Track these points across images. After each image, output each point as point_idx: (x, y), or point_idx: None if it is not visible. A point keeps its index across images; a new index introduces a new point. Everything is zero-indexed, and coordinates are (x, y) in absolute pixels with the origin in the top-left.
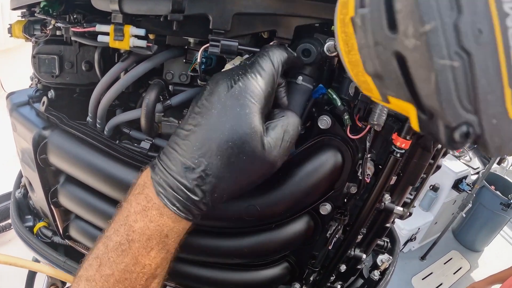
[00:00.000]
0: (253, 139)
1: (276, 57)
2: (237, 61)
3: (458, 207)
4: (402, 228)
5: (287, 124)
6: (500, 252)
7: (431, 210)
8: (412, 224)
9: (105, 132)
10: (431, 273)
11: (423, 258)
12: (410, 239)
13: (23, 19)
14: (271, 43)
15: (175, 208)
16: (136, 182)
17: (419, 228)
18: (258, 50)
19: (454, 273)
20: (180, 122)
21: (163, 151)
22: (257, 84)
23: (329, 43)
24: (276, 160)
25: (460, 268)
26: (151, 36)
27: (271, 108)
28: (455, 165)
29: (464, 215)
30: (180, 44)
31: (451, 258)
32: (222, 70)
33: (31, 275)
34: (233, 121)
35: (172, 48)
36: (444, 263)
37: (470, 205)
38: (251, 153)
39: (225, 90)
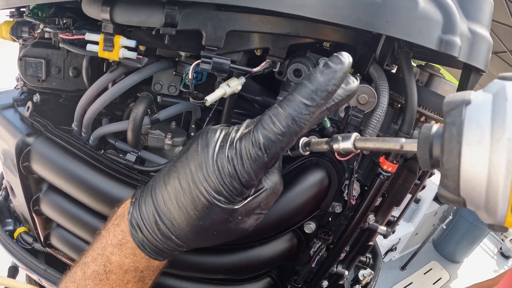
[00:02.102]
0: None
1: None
2: (231, 82)
3: (439, 219)
4: (383, 238)
5: (265, 197)
6: (480, 263)
7: (412, 221)
8: (393, 234)
9: (90, 141)
10: (411, 283)
11: (403, 268)
12: (391, 249)
13: (11, 19)
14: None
15: (146, 252)
16: (117, 210)
17: (400, 239)
18: (250, 70)
19: (433, 283)
20: (166, 136)
21: (145, 187)
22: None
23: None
24: (246, 231)
25: (440, 278)
26: (141, 47)
27: None
28: (436, 178)
29: (445, 227)
30: (171, 56)
31: (431, 269)
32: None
33: None
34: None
35: (162, 60)
36: (424, 273)
37: (450, 217)
38: (222, 229)
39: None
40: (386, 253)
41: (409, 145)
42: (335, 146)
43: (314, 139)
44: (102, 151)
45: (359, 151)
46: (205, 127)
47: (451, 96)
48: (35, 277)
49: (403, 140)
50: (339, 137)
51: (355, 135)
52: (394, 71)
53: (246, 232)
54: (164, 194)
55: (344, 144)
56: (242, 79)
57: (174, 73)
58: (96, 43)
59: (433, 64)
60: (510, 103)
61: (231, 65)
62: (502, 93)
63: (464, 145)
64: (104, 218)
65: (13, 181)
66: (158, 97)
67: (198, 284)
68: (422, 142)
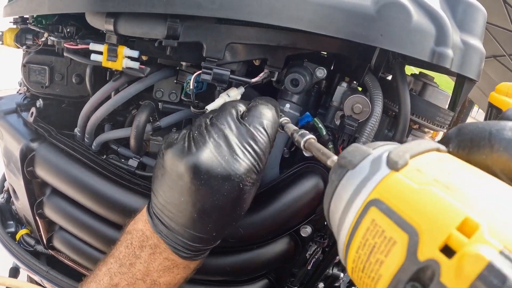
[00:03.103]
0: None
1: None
2: (231, 92)
3: None
4: None
5: None
6: None
7: None
8: None
9: (93, 147)
10: None
11: None
12: None
13: (15, 26)
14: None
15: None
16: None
17: None
18: (249, 80)
19: None
20: None
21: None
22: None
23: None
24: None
25: None
26: (144, 57)
27: None
28: None
29: None
30: (172, 65)
31: None
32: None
33: None
34: None
35: (164, 69)
36: None
37: None
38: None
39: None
40: None
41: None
42: (296, 137)
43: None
44: (105, 156)
45: None
46: None
47: (348, 153)
48: (37, 278)
49: (334, 158)
50: (300, 131)
51: (310, 136)
52: (390, 77)
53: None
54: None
55: (299, 138)
56: (241, 89)
57: (175, 81)
58: (100, 53)
59: (427, 73)
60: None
61: (231, 75)
62: (378, 161)
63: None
64: (106, 221)
65: (17, 184)
66: (159, 103)
67: (196, 285)
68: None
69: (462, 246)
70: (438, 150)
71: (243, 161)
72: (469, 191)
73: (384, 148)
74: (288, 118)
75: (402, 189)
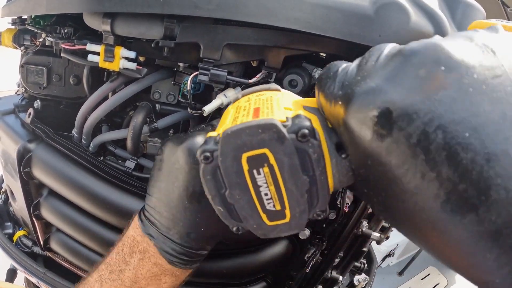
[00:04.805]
0: None
1: None
2: (228, 92)
3: None
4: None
5: None
6: None
7: None
8: (391, 239)
9: (90, 148)
10: None
11: (400, 273)
12: (388, 255)
13: (13, 27)
14: None
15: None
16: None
17: (397, 244)
18: (246, 81)
19: None
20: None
21: (149, 214)
22: None
23: None
24: None
25: (438, 284)
26: (141, 58)
27: None
28: None
29: None
30: (169, 66)
31: (428, 274)
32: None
33: None
34: None
35: (161, 70)
36: (422, 279)
37: None
38: None
39: None
40: (383, 259)
41: None
42: None
43: None
44: (102, 158)
45: None
46: None
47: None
48: (34, 280)
49: None
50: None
51: None
52: None
53: None
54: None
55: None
56: (239, 90)
57: (172, 82)
58: (97, 53)
59: None
60: None
61: (228, 76)
62: None
63: None
64: (103, 223)
65: (14, 185)
66: (157, 105)
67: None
68: None
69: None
70: (269, 89)
71: None
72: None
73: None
74: None
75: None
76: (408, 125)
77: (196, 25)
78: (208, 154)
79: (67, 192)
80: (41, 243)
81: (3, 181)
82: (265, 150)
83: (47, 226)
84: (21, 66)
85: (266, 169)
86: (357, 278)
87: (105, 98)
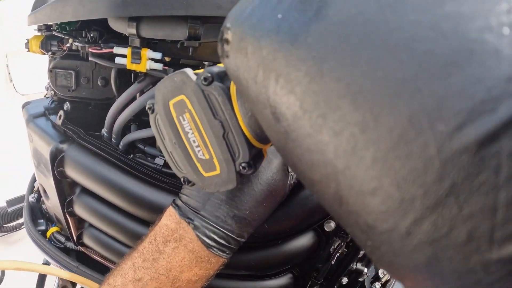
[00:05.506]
0: None
1: None
2: None
3: None
4: None
5: None
6: None
7: None
8: None
9: (120, 146)
10: None
11: None
12: None
13: (40, 33)
14: None
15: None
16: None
17: None
18: None
19: None
20: None
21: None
22: None
23: None
24: None
25: None
26: (166, 58)
27: None
28: None
29: None
30: (195, 65)
31: None
32: None
33: (42, 277)
34: None
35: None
36: None
37: None
38: None
39: None
40: None
41: None
42: None
43: None
44: (132, 155)
45: None
46: None
47: None
48: (66, 275)
49: None
50: None
51: None
52: None
53: None
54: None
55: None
56: None
57: None
58: (124, 56)
59: None
60: None
61: None
62: None
63: None
64: (134, 218)
65: (47, 184)
66: None
67: (221, 279)
68: None
69: None
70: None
71: None
72: None
73: None
74: None
75: None
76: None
77: (220, 25)
78: (150, 105)
79: (99, 189)
80: (74, 238)
81: (35, 181)
82: (183, 96)
83: (79, 222)
84: (50, 71)
85: (187, 115)
86: (382, 270)
87: (133, 98)
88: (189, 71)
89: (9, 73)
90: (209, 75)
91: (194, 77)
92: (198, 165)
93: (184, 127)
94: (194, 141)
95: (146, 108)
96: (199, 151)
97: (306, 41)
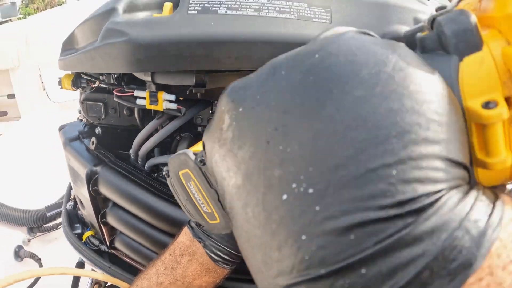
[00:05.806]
0: None
1: None
2: None
3: None
4: None
5: None
6: None
7: None
8: None
9: (145, 168)
10: None
11: None
12: None
13: (70, 72)
14: None
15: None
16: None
17: None
18: None
19: None
20: None
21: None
22: None
23: None
24: None
25: None
26: (180, 98)
27: None
28: None
29: None
30: (208, 99)
31: None
32: None
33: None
34: None
35: (199, 103)
36: None
37: None
38: None
39: None
40: None
41: None
42: None
43: None
44: (156, 175)
45: None
46: None
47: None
48: (100, 276)
49: None
50: None
51: None
52: None
53: None
54: None
55: None
56: None
57: (210, 111)
58: (144, 98)
59: None
60: None
61: None
62: None
63: None
64: (158, 229)
65: (83, 198)
66: (199, 127)
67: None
68: None
69: None
70: None
71: None
72: None
73: None
74: None
75: None
76: None
77: (221, 73)
78: (166, 171)
79: (128, 205)
80: (107, 243)
81: (71, 189)
82: (187, 170)
83: (112, 230)
84: (81, 102)
85: (192, 183)
86: None
87: (156, 130)
88: (189, 152)
89: (42, 82)
90: (203, 158)
91: (193, 157)
92: (204, 215)
93: (191, 190)
94: (199, 200)
95: (164, 173)
96: (203, 206)
97: None
